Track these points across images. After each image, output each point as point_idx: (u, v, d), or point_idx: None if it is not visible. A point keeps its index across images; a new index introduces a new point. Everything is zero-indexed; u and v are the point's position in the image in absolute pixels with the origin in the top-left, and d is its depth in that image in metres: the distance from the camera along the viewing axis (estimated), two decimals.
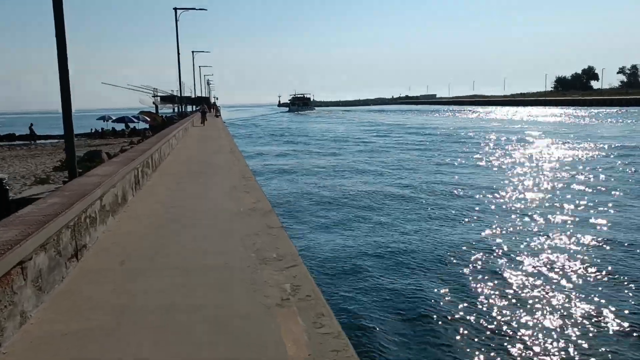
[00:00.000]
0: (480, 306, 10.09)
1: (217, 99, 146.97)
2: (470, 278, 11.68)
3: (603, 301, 10.23)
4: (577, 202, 19.15)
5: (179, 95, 62.52)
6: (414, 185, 23.87)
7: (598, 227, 15.62)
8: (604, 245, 13.79)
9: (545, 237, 14.82)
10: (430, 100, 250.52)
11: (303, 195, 22.12)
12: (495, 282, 11.33)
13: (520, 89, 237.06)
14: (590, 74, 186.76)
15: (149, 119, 47.47)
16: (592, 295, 10.55)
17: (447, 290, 10.97)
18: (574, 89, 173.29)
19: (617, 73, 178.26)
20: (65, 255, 5.24)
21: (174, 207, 8.83)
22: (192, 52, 77.65)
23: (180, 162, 16.40)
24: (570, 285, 11.16)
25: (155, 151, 14.25)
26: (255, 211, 8.18)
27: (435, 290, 10.97)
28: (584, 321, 9.44)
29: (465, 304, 10.20)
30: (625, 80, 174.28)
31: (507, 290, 10.83)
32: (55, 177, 18.73)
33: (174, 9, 44.45)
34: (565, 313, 9.79)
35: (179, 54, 46.19)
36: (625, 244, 13.82)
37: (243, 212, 8.18)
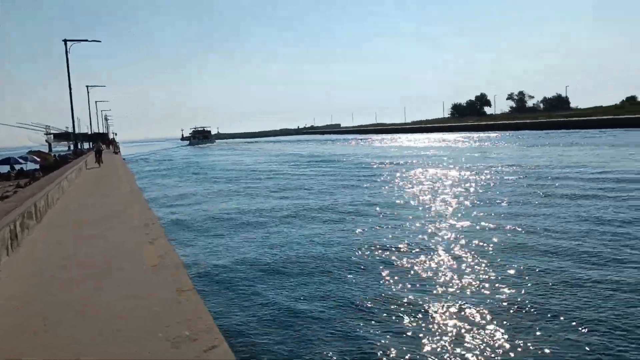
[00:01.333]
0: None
1: (115, 134, 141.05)
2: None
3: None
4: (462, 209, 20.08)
5: (73, 132, 58.63)
6: (313, 206, 23.63)
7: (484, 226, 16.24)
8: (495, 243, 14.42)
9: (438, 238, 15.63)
10: (334, 130, 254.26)
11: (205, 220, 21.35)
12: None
13: (420, 117, 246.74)
14: (483, 100, 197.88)
15: (38, 159, 43.61)
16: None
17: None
18: (470, 115, 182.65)
19: (507, 99, 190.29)
20: None
21: (59, 270, 7.33)
22: (87, 86, 74.06)
23: (71, 209, 14.58)
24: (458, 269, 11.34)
25: (40, 197, 12.45)
26: (161, 269, 6.90)
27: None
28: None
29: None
30: (514, 105, 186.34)
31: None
32: None
33: (63, 40, 41.69)
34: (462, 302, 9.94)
35: (70, 88, 43.34)
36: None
37: (146, 270, 6.88)
